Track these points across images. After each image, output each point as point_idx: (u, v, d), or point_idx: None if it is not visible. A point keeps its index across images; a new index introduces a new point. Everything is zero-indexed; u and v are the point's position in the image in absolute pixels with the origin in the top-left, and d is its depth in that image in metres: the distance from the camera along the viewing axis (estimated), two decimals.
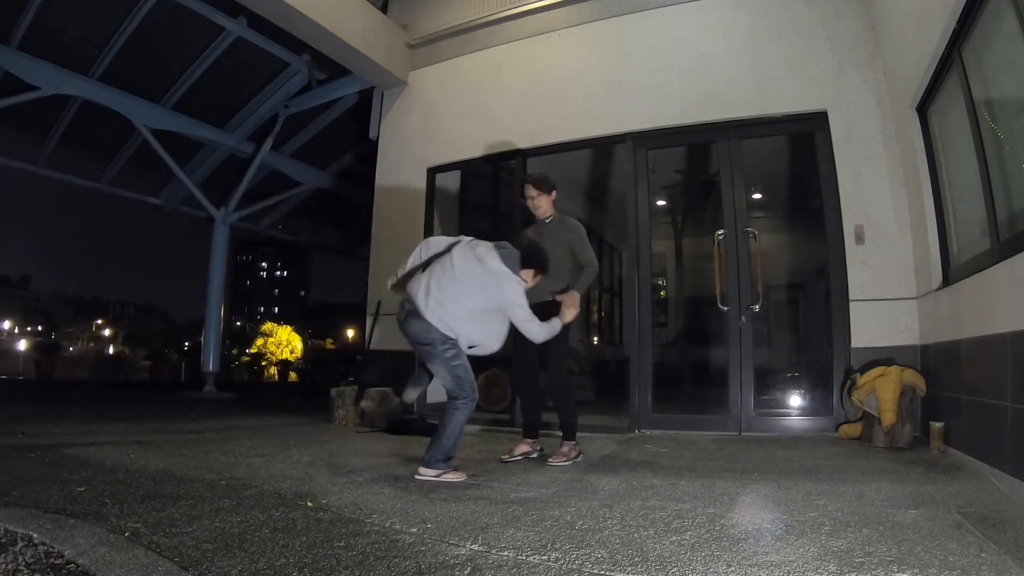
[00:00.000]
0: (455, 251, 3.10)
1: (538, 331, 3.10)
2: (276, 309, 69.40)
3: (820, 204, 4.85)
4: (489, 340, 3.09)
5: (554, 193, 3.76)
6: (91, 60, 8.26)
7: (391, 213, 6.60)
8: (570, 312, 3.34)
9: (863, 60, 4.69)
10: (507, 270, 3.01)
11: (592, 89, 5.63)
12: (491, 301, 3.01)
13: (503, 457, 3.57)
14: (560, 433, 3.66)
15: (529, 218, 3.93)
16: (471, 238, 3.21)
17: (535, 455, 3.62)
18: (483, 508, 2.36)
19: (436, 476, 2.91)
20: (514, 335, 3.20)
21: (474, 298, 2.99)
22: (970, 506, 2.33)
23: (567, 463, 3.45)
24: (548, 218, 3.76)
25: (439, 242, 3.28)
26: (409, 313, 3.02)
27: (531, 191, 3.72)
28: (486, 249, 3.06)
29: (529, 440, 3.67)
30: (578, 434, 3.65)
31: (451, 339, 2.98)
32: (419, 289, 3.01)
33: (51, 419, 5.37)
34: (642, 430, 4.88)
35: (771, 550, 1.81)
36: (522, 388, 3.85)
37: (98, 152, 10.85)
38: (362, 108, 8.57)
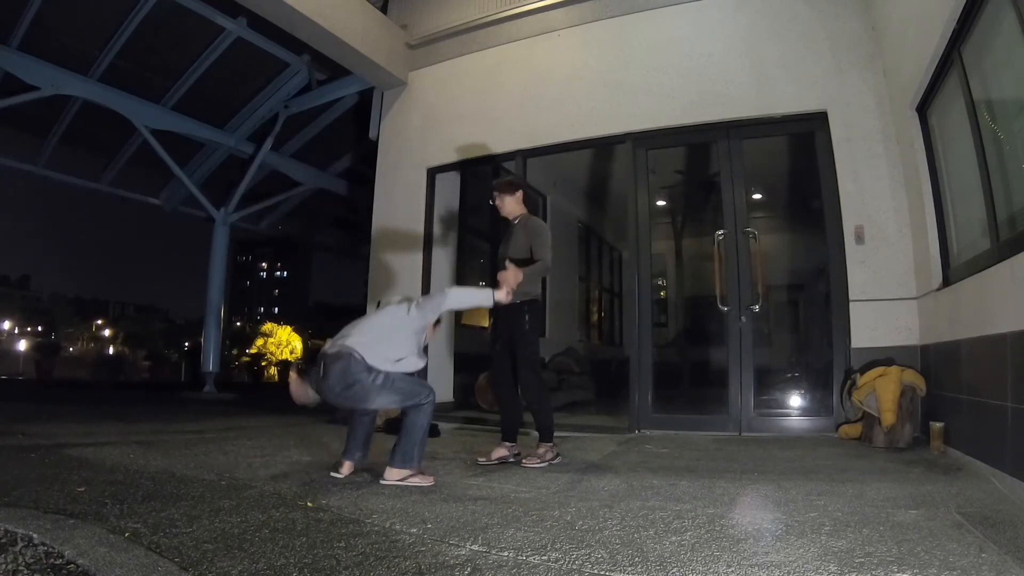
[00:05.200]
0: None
1: (456, 294, 3.21)
2: (276, 309, 69.39)
3: (820, 204, 4.85)
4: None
5: (519, 193, 3.78)
6: (91, 60, 8.26)
7: (391, 213, 6.60)
8: (505, 286, 3.15)
9: (863, 60, 4.69)
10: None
11: (592, 89, 5.63)
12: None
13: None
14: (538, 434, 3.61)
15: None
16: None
17: (512, 459, 3.53)
18: (483, 508, 2.36)
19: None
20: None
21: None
22: (970, 506, 2.33)
23: (541, 465, 3.38)
24: (515, 218, 3.77)
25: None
26: None
27: (495, 195, 3.80)
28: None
29: (507, 444, 3.60)
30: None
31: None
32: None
33: (51, 419, 5.37)
34: (642, 430, 4.88)
35: (771, 550, 1.81)
36: (499, 392, 3.81)
37: (98, 152, 10.87)
38: (362, 108, 8.57)
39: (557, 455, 3.52)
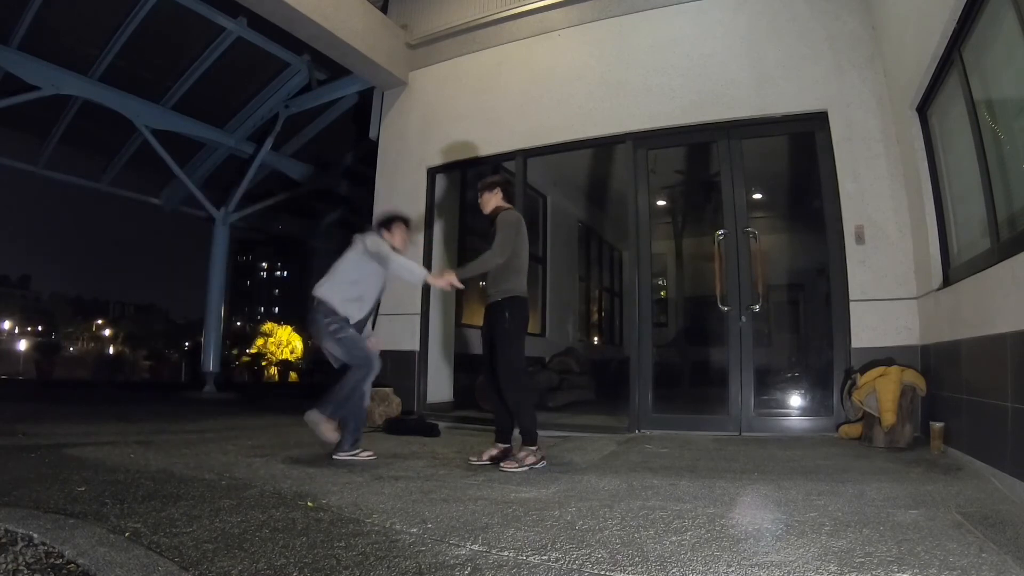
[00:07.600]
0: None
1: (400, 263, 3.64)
2: (276, 309, 69.31)
3: (820, 204, 4.85)
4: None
5: (498, 191, 3.78)
6: (91, 60, 8.26)
7: None
8: (438, 280, 3.66)
9: (863, 60, 4.69)
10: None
11: (592, 89, 5.63)
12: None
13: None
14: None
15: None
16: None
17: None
18: (483, 508, 2.36)
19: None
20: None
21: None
22: (970, 506, 2.33)
23: (519, 469, 3.23)
24: (493, 214, 3.74)
25: None
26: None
27: (479, 193, 3.86)
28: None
29: (500, 445, 3.57)
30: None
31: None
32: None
33: (51, 419, 5.37)
34: (642, 430, 4.88)
35: (771, 550, 1.81)
36: (491, 393, 3.74)
37: (98, 152, 10.87)
38: (362, 108, 8.57)
39: (542, 459, 3.36)
